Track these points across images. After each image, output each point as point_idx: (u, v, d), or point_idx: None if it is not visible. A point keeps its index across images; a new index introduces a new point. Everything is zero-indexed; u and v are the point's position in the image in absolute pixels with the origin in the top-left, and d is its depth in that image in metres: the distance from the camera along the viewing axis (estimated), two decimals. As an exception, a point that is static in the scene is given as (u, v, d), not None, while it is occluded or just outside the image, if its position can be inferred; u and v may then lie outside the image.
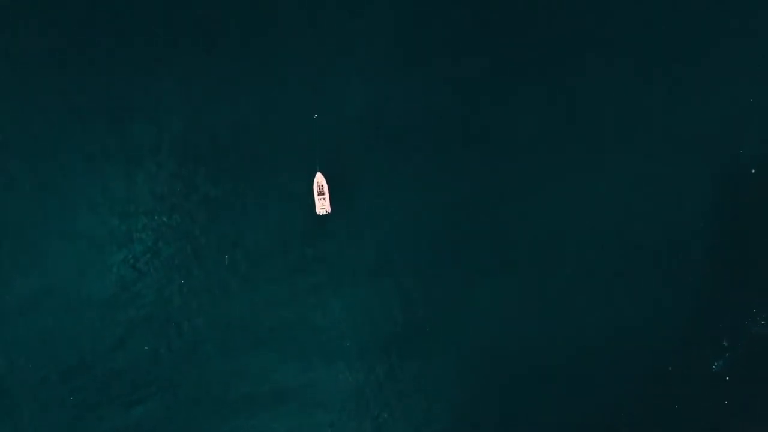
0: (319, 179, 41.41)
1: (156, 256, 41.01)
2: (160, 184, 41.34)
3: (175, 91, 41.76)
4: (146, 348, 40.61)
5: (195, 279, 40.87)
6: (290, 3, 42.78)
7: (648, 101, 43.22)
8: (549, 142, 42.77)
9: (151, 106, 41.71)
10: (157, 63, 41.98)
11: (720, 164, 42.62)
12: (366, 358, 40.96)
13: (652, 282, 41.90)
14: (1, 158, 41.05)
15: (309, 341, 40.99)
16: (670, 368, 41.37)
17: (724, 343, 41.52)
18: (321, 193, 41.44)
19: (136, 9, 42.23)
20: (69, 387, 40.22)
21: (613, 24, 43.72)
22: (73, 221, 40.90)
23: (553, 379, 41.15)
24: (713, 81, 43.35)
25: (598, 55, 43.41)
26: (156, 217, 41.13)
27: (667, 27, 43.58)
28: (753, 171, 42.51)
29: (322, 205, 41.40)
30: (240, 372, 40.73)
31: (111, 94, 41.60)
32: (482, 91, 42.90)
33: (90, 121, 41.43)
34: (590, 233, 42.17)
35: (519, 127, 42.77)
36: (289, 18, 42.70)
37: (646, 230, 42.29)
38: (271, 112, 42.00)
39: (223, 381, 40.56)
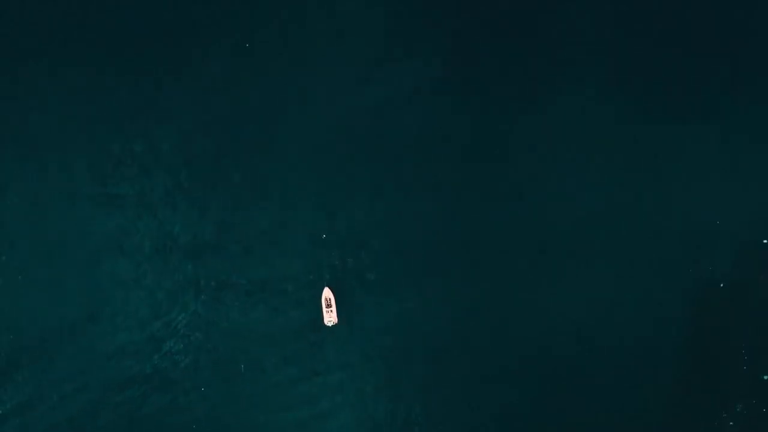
0: (327, 293, 44.53)
1: (162, 369, 43.75)
2: (166, 296, 44.08)
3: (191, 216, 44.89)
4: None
5: (212, 387, 43.90)
6: (298, 120, 45.68)
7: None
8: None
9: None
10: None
11: (687, 283, 45.84)
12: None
13: (624, 382, 44.67)
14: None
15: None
16: (643, 465, 44.87)
17: (695, 440, 45.29)
18: (328, 306, 44.57)
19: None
20: None
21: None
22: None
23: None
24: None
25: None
26: (160, 329, 43.85)
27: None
28: (722, 285, 46.08)
29: (330, 317, 44.62)
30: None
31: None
32: (492, 201, 45.62)
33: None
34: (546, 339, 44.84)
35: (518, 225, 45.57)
36: (297, 140, 45.51)
37: (615, 334, 44.91)
38: (283, 231, 44.90)
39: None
